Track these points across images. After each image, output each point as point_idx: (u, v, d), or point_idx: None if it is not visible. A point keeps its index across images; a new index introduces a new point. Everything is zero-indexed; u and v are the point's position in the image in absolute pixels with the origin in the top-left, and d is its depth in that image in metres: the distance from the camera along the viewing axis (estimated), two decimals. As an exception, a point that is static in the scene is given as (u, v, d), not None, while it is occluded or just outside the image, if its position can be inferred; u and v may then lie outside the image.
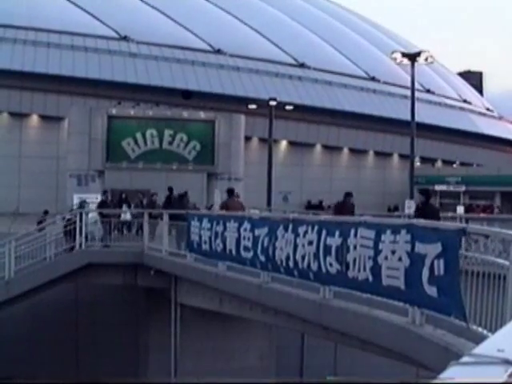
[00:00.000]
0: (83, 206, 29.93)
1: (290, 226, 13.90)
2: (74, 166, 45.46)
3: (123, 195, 32.38)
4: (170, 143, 45.60)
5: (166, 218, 24.16)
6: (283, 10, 71.59)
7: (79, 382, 26.65)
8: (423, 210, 16.64)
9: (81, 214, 26.43)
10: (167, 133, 45.58)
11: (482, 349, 2.81)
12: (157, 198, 30.54)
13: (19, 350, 27.10)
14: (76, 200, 39.40)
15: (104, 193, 31.06)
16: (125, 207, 30.26)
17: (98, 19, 58.54)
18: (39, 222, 31.06)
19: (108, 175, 45.46)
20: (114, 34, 58.02)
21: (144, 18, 60.27)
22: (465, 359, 2.65)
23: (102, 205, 29.25)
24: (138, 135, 45.31)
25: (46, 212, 34.42)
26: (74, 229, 26.06)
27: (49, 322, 28.19)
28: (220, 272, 18.31)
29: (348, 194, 20.35)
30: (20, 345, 27.42)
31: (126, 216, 28.52)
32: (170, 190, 31.47)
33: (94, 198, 35.00)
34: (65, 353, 28.08)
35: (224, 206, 22.78)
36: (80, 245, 25.92)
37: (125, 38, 57.77)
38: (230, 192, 23.59)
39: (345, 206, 19.71)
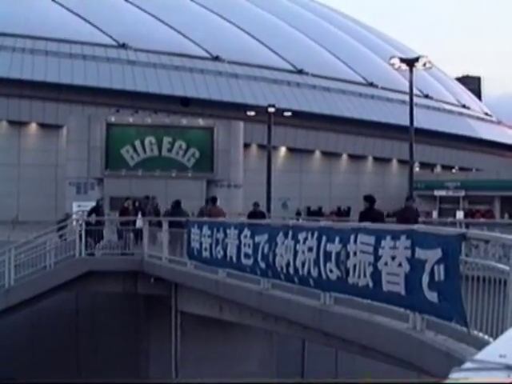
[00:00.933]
0: (100, 211, 29.51)
1: (290, 233, 13.90)
2: (73, 174, 45.44)
3: (136, 203, 32.28)
4: (169, 150, 45.64)
5: (165, 225, 24.17)
6: (281, 16, 71.70)
7: (79, 382, 26.63)
8: (367, 215, 17.08)
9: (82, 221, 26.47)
10: (166, 140, 45.61)
11: (483, 354, 2.82)
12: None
13: (20, 359, 27.08)
14: (75, 208, 39.41)
15: (126, 199, 30.80)
16: (140, 215, 30.12)
17: (96, 27, 58.61)
18: (60, 227, 30.41)
19: (107, 183, 45.43)
20: (112, 42, 58.08)
21: (142, 26, 60.35)
22: (467, 365, 2.66)
23: (123, 212, 29.14)
24: (137, 143, 45.34)
25: (67, 215, 34.56)
26: (92, 231, 26.21)
27: (49, 330, 28.18)
28: (220, 279, 18.31)
29: (408, 199, 20.39)
30: (20, 353, 27.39)
31: (141, 223, 28.35)
32: (147, 197, 31.46)
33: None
34: (65, 361, 28.07)
35: (207, 213, 24.35)
36: (80, 252, 25.90)
37: (123, 46, 57.83)
38: (214, 200, 25.81)
39: (408, 212, 19.76)
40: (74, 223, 28.52)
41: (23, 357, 27.30)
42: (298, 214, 52.85)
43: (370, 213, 17.33)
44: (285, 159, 61.02)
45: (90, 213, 29.06)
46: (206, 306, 20.95)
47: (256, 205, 25.43)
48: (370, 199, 17.96)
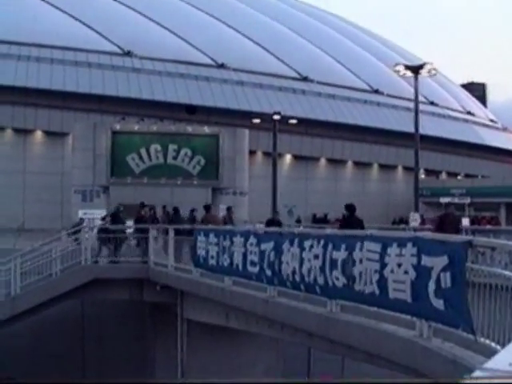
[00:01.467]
0: (120, 217, 29.18)
1: (296, 241, 13.89)
2: (79, 182, 45.49)
3: (152, 211, 32.13)
4: (175, 158, 45.65)
5: (171, 233, 24.17)
6: (286, 24, 71.77)
7: (80, 382, 26.58)
8: (348, 222, 17.91)
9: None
10: (171, 148, 45.62)
11: (493, 363, 2.82)
12: (196, 214, 30.30)
13: (25, 365, 27.06)
14: (81, 215, 39.40)
15: (142, 207, 30.51)
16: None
17: (101, 35, 58.72)
18: (75, 232, 30.18)
19: (113, 191, 45.45)
20: (117, 50, 58.17)
21: (147, 34, 60.44)
22: (477, 373, 2.66)
23: (139, 220, 29.06)
24: (143, 150, 45.36)
25: (81, 219, 34.60)
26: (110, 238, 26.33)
27: (55, 338, 28.17)
28: (226, 287, 18.30)
29: (448, 206, 20.67)
30: (26, 360, 27.38)
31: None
32: (142, 204, 31.40)
33: (98, 214, 35.00)
34: (71, 368, 28.04)
35: (204, 220, 25.54)
36: (86, 260, 25.90)
37: (128, 54, 57.93)
38: (207, 208, 27.13)
39: (448, 219, 19.90)
40: (83, 231, 28.37)
41: (29, 363, 27.28)
42: (298, 221, 52.53)
43: (350, 220, 17.88)
44: (290, 166, 61.01)
45: (112, 219, 29.00)
46: (212, 313, 20.93)
47: (275, 213, 26.05)
48: (350, 208, 18.53)
